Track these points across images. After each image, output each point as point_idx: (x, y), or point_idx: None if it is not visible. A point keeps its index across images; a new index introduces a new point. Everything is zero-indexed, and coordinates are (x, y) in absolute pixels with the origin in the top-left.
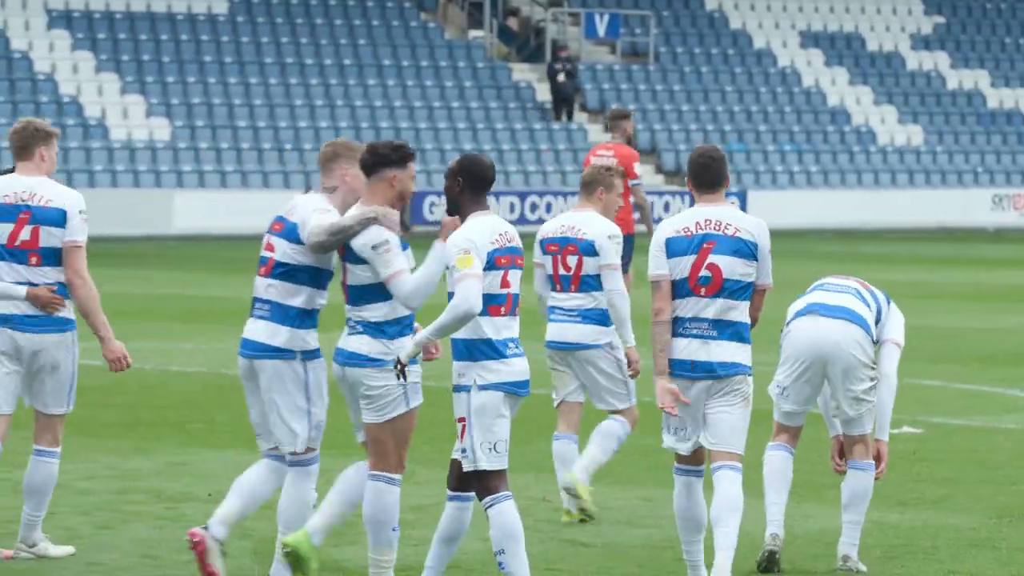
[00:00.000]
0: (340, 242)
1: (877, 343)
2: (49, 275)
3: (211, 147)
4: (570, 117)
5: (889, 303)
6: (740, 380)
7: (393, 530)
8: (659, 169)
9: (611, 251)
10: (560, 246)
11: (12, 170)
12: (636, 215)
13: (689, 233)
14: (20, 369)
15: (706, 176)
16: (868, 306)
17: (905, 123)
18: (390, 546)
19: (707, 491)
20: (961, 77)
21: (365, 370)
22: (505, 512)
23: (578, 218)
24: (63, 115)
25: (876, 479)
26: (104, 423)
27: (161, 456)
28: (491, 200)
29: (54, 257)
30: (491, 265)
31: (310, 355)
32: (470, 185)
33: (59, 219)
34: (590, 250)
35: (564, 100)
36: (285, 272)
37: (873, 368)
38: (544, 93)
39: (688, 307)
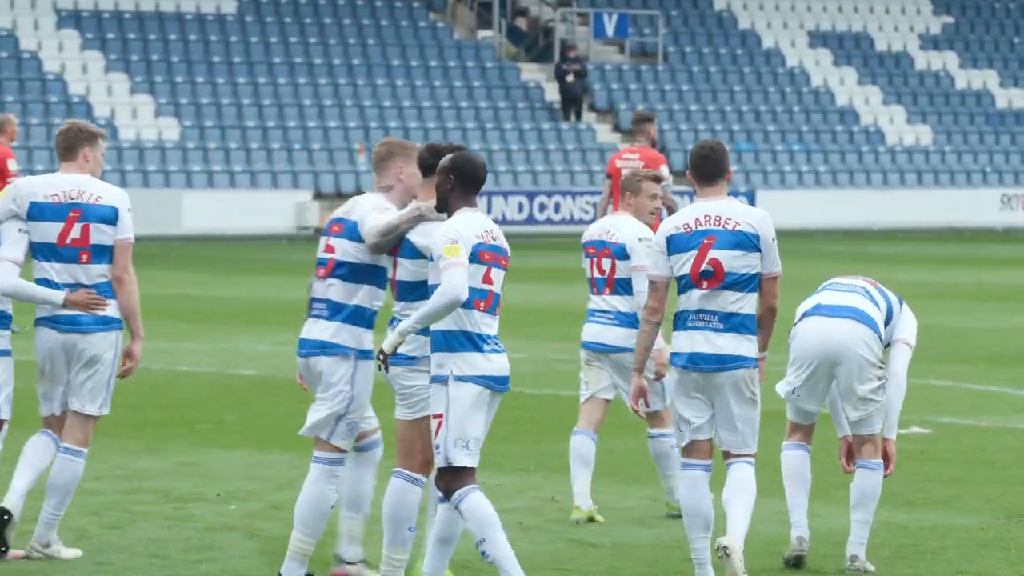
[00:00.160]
0: (392, 242)
1: (888, 344)
2: (98, 272)
3: (220, 147)
4: (579, 117)
5: (902, 304)
6: (745, 372)
7: (410, 530)
8: (668, 169)
9: (641, 253)
10: (596, 249)
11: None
12: (665, 216)
13: (689, 230)
14: (65, 370)
15: (706, 167)
16: (877, 305)
17: (914, 123)
18: (404, 545)
19: (714, 491)
20: (970, 77)
21: (400, 368)
22: (478, 503)
23: (613, 221)
24: (72, 115)
25: (884, 477)
26: (113, 423)
27: (170, 456)
28: (500, 200)
29: (104, 254)
30: (475, 258)
31: (365, 355)
32: (461, 183)
33: (111, 216)
34: (622, 253)
35: (573, 100)
36: (346, 271)
37: (881, 368)
38: (553, 93)
39: (692, 300)
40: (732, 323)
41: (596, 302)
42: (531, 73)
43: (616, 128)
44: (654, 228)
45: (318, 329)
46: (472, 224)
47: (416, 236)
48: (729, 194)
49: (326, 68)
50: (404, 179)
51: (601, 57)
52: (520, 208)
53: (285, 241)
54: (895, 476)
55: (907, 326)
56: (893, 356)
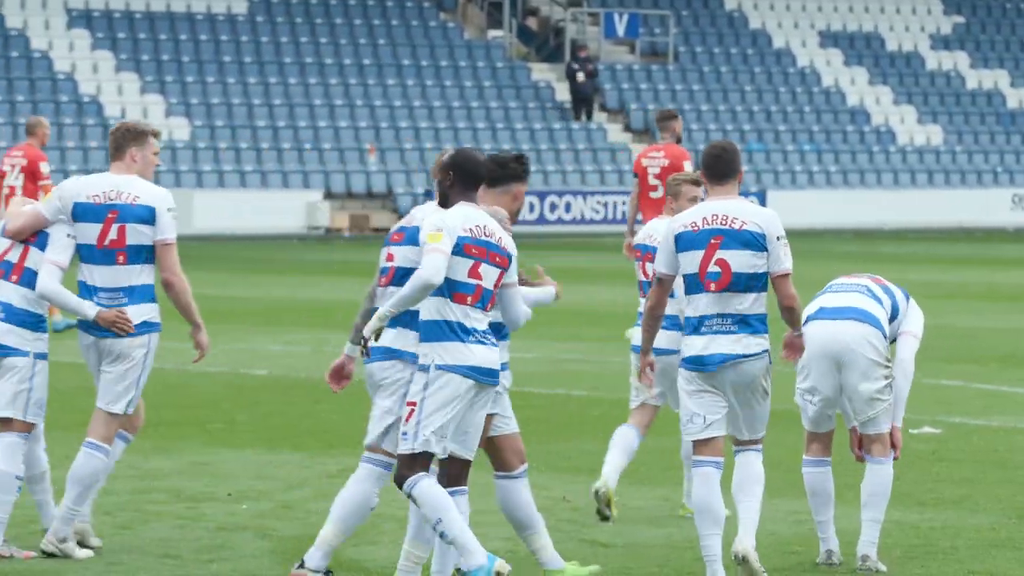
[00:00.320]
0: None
1: (894, 339)
2: (136, 274)
3: (230, 147)
4: (589, 117)
5: (908, 299)
6: (761, 367)
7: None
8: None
9: None
10: (642, 253)
11: None
12: None
13: (696, 228)
14: (98, 368)
15: (717, 167)
16: (880, 303)
17: (924, 123)
18: (427, 544)
19: (724, 490)
20: (980, 77)
21: None
22: (429, 487)
23: (655, 225)
24: (83, 115)
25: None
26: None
27: (182, 456)
28: None
29: (141, 255)
30: (460, 251)
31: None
32: (460, 179)
33: (147, 216)
34: None
35: (584, 100)
36: (408, 277)
37: (887, 367)
38: (564, 93)
39: (701, 304)
40: (746, 324)
41: (643, 305)
42: (542, 73)
43: (627, 128)
44: None
45: (385, 337)
46: (462, 217)
47: None
48: (740, 194)
49: (337, 68)
50: None
51: (612, 57)
52: (531, 208)
53: (296, 241)
54: (906, 476)
55: (914, 319)
56: (900, 346)
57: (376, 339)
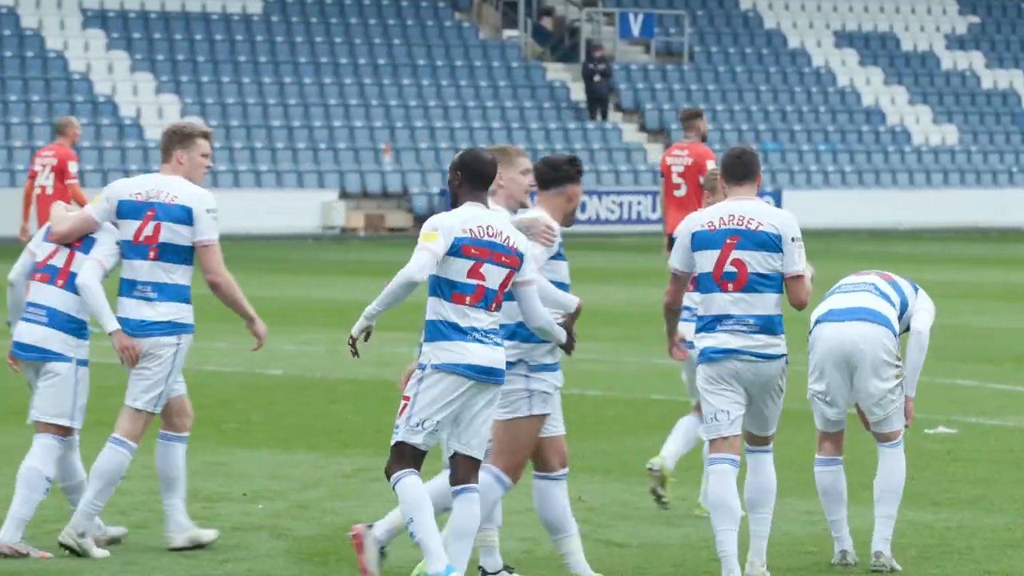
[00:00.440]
0: None
1: (906, 329)
2: (170, 272)
3: (245, 147)
4: (604, 117)
5: (917, 291)
6: (778, 367)
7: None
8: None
9: None
10: None
11: None
12: None
13: (712, 227)
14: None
15: (736, 168)
16: (888, 299)
17: (940, 123)
18: (493, 523)
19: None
20: (996, 77)
21: None
22: (411, 485)
23: None
24: (98, 115)
25: (905, 427)
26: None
27: (197, 456)
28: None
29: (175, 255)
30: (457, 252)
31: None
32: (468, 179)
33: (184, 217)
34: None
35: (599, 100)
36: None
37: (898, 366)
38: (579, 93)
39: (716, 305)
40: (763, 324)
41: (686, 300)
42: (557, 73)
43: (642, 128)
44: None
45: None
46: (463, 217)
47: None
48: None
49: (352, 68)
50: (505, 184)
51: (627, 57)
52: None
53: (311, 241)
54: (921, 476)
55: (924, 301)
56: (914, 319)
57: (366, 339)
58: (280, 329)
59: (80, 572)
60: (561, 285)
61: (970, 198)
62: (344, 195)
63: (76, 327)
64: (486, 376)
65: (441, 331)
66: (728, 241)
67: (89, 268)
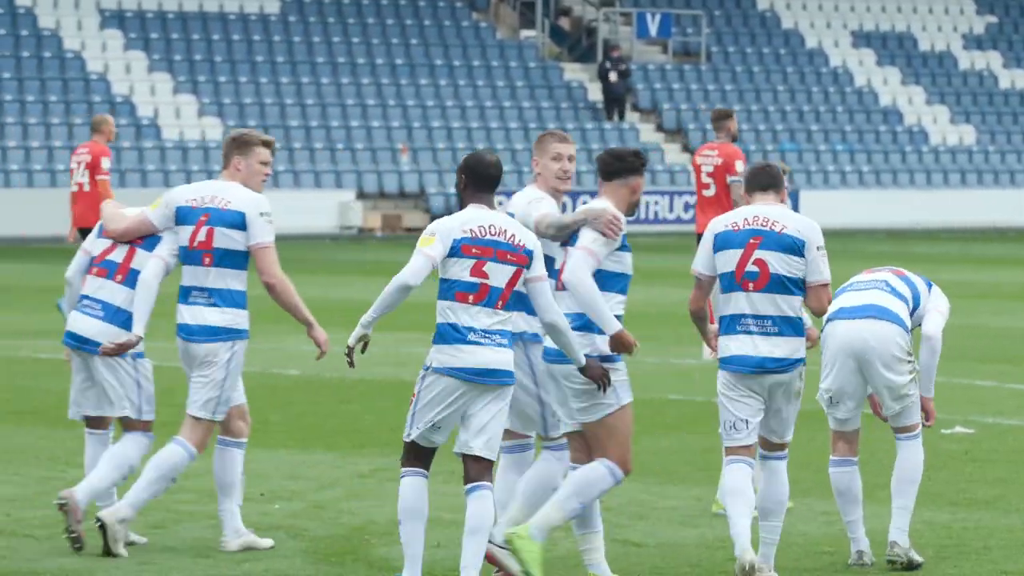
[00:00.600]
0: (561, 237)
1: (918, 326)
2: (223, 277)
3: None
4: (622, 117)
5: (930, 287)
6: (796, 372)
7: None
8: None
9: None
10: None
11: None
12: None
13: (736, 228)
14: (189, 373)
15: (760, 178)
16: (899, 296)
17: (957, 123)
18: (595, 526)
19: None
20: (1014, 76)
21: (569, 366)
22: (408, 486)
23: None
24: (115, 115)
25: (925, 427)
26: (158, 423)
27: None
28: None
29: (231, 260)
30: (456, 252)
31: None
32: (472, 182)
33: (237, 221)
34: None
35: (616, 100)
36: None
37: (911, 362)
38: (596, 93)
39: (737, 304)
40: (783, 326)
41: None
42: (574, 73)
43: (659, 128)
44: None
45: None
46: (464, 219)
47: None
48: None
49: (369, 68)
50: (540, 171)
51: (644, 57)
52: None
53: (328, 241)
54: (938, 476)
55: (937, 299)
56: (925, 322)
57: (363, 350)
58: (297, 329)
59: (95, 571)
60: (625, 276)
61: (988, 198)
62: (361, 195)
63: (131, 323)
64: (482, 378)
65: (441, 333)
66: (751, 241)
67: (153, 265)
